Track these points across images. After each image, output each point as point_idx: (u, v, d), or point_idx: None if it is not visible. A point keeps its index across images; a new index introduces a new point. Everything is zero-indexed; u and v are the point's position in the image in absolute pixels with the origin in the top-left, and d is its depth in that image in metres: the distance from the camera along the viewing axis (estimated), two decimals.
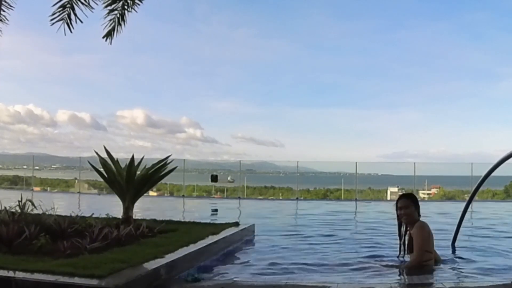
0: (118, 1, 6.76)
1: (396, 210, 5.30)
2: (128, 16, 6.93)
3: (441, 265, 5.28)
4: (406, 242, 5.18)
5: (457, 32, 67.55)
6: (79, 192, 22.44)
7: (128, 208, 6.58)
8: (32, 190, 22.68)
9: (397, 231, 5.39)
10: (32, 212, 6.16)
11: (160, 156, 8.40)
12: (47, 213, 6.16)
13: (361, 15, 66.41)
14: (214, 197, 23.34)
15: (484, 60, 68.54)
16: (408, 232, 5.19)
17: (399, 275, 4.99)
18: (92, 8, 6.50)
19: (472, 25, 63.85)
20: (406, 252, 5.23)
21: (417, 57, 74.45)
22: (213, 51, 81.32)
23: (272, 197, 25.61)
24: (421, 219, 5.18)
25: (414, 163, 21.00)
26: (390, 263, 5.31)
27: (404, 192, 5.86)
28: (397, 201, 5.34)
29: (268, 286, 4.16)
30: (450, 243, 6.80)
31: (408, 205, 5.18)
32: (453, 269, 5.46)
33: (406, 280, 4.77)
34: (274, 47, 77.12)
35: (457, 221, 6.86)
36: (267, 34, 77.55)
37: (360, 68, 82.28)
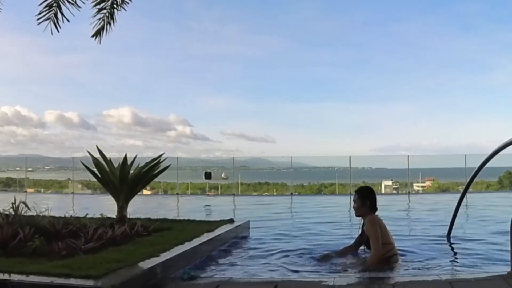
0: (107, 0, 6.68)
1: None
2: (117, 14, 6.84)
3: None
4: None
5: (448, 23, 68.04)
6: (72, 193, 22.29)
7: (122, 208, 6.55)
8: (26, 191, 22.50)
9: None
10: (26, 214, 6.11)
11: (152, 154, 8.35)
12: (41, 214, 6.13)
13: (351, 9, 66.57)
14: (208, 194, 23.28)
15: (476, 51, 69.21)
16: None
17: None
18: (79, 7, 6.38)
19: (463, 16, 64.35)
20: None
21: (408, 49, 74.84)
22: (203, 48, 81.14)
23: (266, 193, 25.66)
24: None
25: (408, 156, 20.98)
26: (353, 260, 5.23)
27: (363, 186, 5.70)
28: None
29: (264, 283, 4.16)
30: (445, 234, 6.85)
31: (355, 199, 5.21)
32: (449, 261, 5.50)
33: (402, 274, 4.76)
34: (265, 43, 77.30)
35: (452, 212, 6.90)
36: (257, 30, 77.70)
37: (351, 61, 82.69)
